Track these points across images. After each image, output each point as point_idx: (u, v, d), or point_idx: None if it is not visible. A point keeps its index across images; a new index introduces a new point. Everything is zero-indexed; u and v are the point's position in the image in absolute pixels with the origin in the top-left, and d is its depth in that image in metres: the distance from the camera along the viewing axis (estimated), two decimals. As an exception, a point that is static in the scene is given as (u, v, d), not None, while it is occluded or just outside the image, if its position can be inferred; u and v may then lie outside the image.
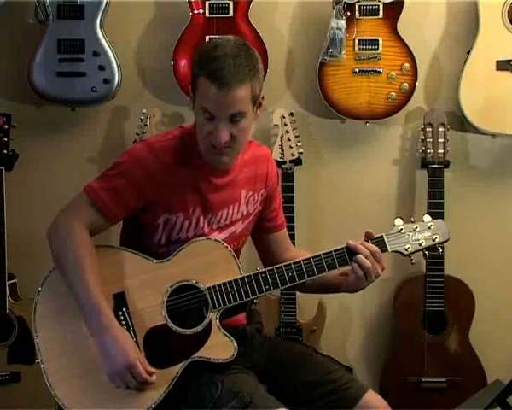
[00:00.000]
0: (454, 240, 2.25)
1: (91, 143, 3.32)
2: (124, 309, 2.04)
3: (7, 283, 3.00)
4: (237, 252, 2.20)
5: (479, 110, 3.10)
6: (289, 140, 3.13)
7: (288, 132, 3.13)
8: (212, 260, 2.08)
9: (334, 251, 2.10)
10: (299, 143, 3.13)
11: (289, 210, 3.01)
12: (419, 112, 3.24)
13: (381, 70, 3.10)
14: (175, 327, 2.04)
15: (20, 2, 3.15)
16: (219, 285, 2.06)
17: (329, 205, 3.34)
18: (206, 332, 2.05)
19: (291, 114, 3.16)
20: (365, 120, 3.18)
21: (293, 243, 2.77)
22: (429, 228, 2.14)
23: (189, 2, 3.10)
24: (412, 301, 3.16)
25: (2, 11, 3.15)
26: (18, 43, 3.24)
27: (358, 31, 3.09)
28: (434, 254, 2.20)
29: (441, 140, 3.10)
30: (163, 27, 3.26)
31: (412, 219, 2.16)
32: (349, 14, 3.07)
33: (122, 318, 2.03)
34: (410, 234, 2.12)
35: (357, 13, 3.08)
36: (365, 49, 3.09)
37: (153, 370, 1.99)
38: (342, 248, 2.10)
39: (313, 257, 2.09)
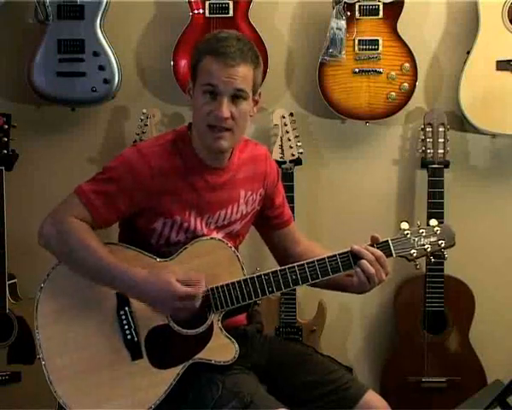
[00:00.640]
0: (454, 240, 2.24)
1: (91, 143, 3.32)
2: (126, 308, 2.05)
3: (7, 283, 3.00)
4: None
5: (479, 110, 3.10)
6: (289, 140, 3.13)
7: (287, 132, 3.13)
8: (215, 260, 2.08)
9: (339, 255, 2.09)
10: (299, 143, 3.13)
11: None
12: (419, 112, 3.24)
13: (381, 70, 3.10)
14: (177, 327, 2.05)
15: (20, 2, 3.15)
16: (222, 286, 2.05)
17: (329, 205, 3.34)
18: (208, 333, 2.05)
19: (291, 114, 3.16)
20: (365, 120, 3.18)
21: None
22: (435, 233, 2.12)
23: (189, 2, 3.10)
24: (412, 301, 3.16)
25: (2, 11, 3.14)
26: (18, 43, 3.24)
27: (358, 31, 3.09)
28: (440, 258, 2.17)
29: (441, 140, 3.10)
30: (163, 27, 3.26)
31: (418, 223, 2.15)
32: (349, 14, 3.07)
33: (124, 316, 2.04)
34: (416, 239, 2.11)
35: (357, 13, 3.08)
36: (365, 50, 3.09)
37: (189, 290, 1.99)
38: (347, 252, 2.09)
39: (317, 260, 2.08)
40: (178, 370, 2.03)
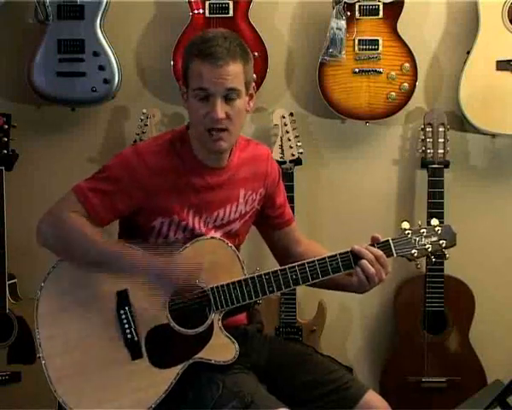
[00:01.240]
0: (454, 240, 2.24)
1: (91, 143, 3.32)
2: (126, 307, 2.05)
3: (7, 283, 3.00)
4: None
5: (479, 110, 3.10)
6: (289, 140, 3.13)
7: (287, 132, 3.13)
8: (215, 260, 2.08)
9: (339, 254, 2.09)
10: (299, 143, 3.13)
11: (289, 210, 3.01)
12: (419, 112, 3.24)
13: (381, 70, 3.10)
14: (177, 327, 2.04)
15: (20, 2, 3.15)
16: (223, 286, 2.05)
17: (329, 205, 3.34)
18: (208, 333, 2.05)
19: (291, 114, 3.15)
20: (365, 120, 3.18)
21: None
22: (436, 233, 2.12)
23: (189, 2, 3.10)
24: (412, 301, 3.16)
25: (2, 11, 3.14)
26: (18, 43, 3.24)
27: (358, 31, 3.09)
28: (440, 258, 2.16)
29: (441, 140, 3.10)
30: (163, 27, 3.26)
31: (419, 223, 2.15)
32: (349, 14, 3.07)
33: (124, 316, 2.04)
34: (417, 239, 2.10)
35: (357, 13, 3.08)
36: (365, 49, 3.09)
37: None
38: (347, 252, 2.09)
39: (318, 260, 2.08)
40: (178, 369, 2.03)
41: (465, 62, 3.09)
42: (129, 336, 2.04)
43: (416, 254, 2.11)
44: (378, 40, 3.09)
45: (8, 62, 3.27)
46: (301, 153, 3.13)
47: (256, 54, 3.00)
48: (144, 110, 3.15)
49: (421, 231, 2.12)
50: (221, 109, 2.02)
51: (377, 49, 3.09)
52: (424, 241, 2.11)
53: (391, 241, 2.10)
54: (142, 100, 3.29)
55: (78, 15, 3.07)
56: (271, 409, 1.98)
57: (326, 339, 3.18)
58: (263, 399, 2.00)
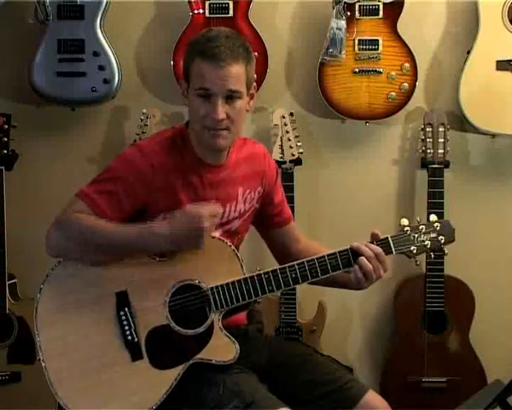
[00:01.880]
0: (454, 240, 2.24)
1: (91, 143, 3.32)
2: (126, 308, 2.04)
3: (7, 283, 3.00)
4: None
5: (479, 110, 3.10)
6: (289, 140, 3.13)
7: (287, 132, 3.13)
8: (215, 259, 2.07)
9: (339, 252, 2.09)
10: (299, 143, 3.13)
11: (289, 210, 3.01)
12: (419, 112, 3.24)
13: (381, 70, 3.10)
14: (177, 328, 2.04)
15: (20, 2, 3.15)
16: (222, 286, 2.05)
17: (329, 205, 3.34)
18: (209, 333, 2.05)
19: (291, 114, 3.15)
20: (365, 120, 3.18)
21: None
22: (435, 229, 2.12)
23: (189, 2, 3.10)
24: (412, 301, 3.16)
25: (2, 11, 3.15)
26: (18, 43, 3.24)
27: (358, 31, 3.09)
28: (439, 254, 2.17)
29: (441, 140, 3.10)
30: (163, 27, 3.26)
31: (418, 219, 2.14)
32: (349, 14, 3.07)
33: (124, 317, 2.03)
34: (416, 235, 2.10)
35: (357, 13, 3.08)
36: (365, 49, 3.09)
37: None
38: (346, 250, 2.09)
39: (317, 258, 2.08)
40: (179, 370, 2.03)
41: (465, 62, 3.09)
42: (129, 337, 2.03)
43: (415, 251, 2.11)
44: (378, 40, 3.09)
45: (8, 62, 3.27)
46: (301, 153, 3.13)
47: (256, 54, 2.99)
48: (144, 110, 3.15)
49: (420, 227, 2.12)
50: (221, 110, 2.02)
51: (377, 49, 3.09)
52: (423, 237, 2.11)
53: (390, 238, 2.10)
54: (142, 100, 3.29)
55: (78, 15, 3.07)
56: (272, 409, 1.98)
57: (326, 339, 3.18)
58: (263, 399, 2.00)
